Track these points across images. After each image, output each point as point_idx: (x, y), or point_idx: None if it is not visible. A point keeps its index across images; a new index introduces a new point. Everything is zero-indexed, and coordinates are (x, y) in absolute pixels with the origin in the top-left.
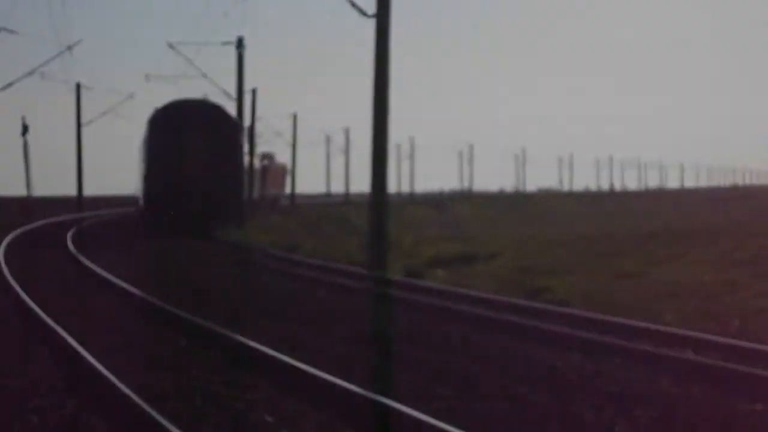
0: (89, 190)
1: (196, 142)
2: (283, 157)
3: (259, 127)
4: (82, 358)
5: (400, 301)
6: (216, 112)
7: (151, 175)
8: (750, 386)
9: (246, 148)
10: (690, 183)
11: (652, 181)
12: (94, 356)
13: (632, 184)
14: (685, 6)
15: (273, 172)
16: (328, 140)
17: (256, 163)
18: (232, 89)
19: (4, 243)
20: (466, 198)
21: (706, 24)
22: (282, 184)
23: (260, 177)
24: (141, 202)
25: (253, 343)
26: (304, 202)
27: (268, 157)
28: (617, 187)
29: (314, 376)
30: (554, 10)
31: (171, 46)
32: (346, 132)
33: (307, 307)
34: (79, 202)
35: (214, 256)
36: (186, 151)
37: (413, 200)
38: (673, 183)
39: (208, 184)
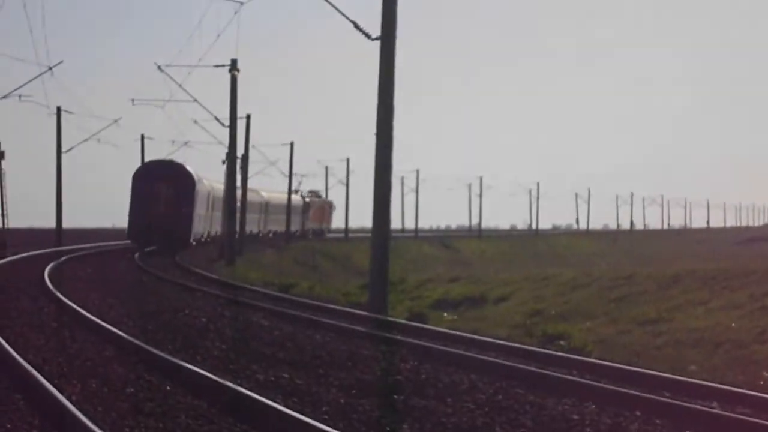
0: (69, 222)
1: (162, 191)
2: (281, 186)
3: (252, 155)
4: (63, 406)
5: (404, 346)
6: (178, 169)
7: (132, 212)
8: None
9: (239, 179)
10: (716, 222)
11: (676, 220)
12: (75, 404)
13: (655, 223)
14: (714, 36)
15: (317, 208)
16: (327, 171)
17: (296, 198)
18: (225, 115)
19: None
20: (475, 236)
21: (735, 54)
22: (327, 219)
23: (302, 212)
24: (127, 230)
25: (244, 390)
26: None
27: (315, 194)
28: (638, 225)
29: (311, 428)
30: (571, 38)
31: (159, 68)
32: (347, 162)
33: (304, 352)
34: (58, 234)
35: (204, 294)
36: (155, 196)
37: (419, 237)
38: (698, 222)
39: (169, 220)
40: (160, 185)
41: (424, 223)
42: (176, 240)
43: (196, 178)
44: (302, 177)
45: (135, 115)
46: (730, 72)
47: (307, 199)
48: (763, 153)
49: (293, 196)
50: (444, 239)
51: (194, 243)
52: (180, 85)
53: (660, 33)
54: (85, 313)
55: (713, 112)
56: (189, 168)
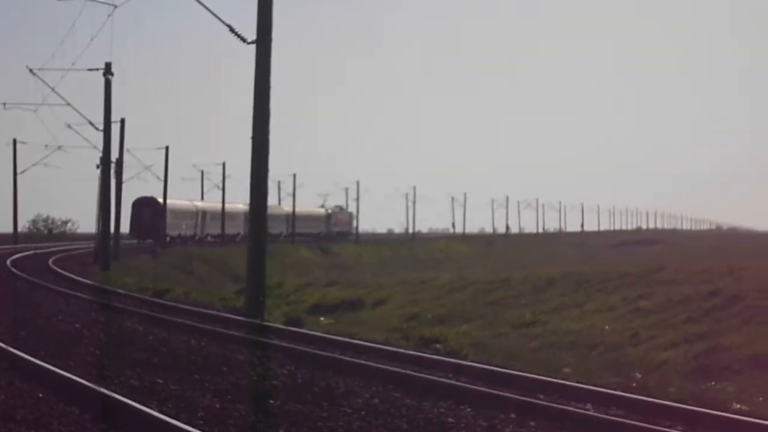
0: None
1: (146, 212)
2: (156, 191)
3: (127, 160)
4: None
5: (280, 351)
6: (154, 201)
7: (132, 223)
8: None
9: (113, 184)
10: (590, 226)
11: (551, 223)
12: None
13: (530, 226)
14: (594, 47)
15: (338, 216)
16: (202, 175)
17: (321, 210)
18: (99, 119)
19: None
20: (352, 240)
21: (612, 63)
22: (348, 225)
23: (326, 220)
24: (129, 232)
25: (118, 396)
26: (179, 245)
27: (339, 207)
28: (514, 229)
29: None
30: (447, 39)
31: (32, 71)
32: (223, 167)
33: (179, 357)
34: None
35: (78, 300)
36: (142, 214)
37: (296, 241)
38: (572, 225)
39: (149, 227)
40: (145, 209)
41: (302, 229)
42: (156, 237)
43: (165, 204)
44: (326, 195)
45: (7, 120)
46: (604, 76)
47: (329, 211)
48: (637, 157)
49: (317, 209)
50: (322, 244)
51: (168, 239)
52: (53, 89)
53: (540, 35)
54: None
55: (588, 118)
56: (159, 199)
